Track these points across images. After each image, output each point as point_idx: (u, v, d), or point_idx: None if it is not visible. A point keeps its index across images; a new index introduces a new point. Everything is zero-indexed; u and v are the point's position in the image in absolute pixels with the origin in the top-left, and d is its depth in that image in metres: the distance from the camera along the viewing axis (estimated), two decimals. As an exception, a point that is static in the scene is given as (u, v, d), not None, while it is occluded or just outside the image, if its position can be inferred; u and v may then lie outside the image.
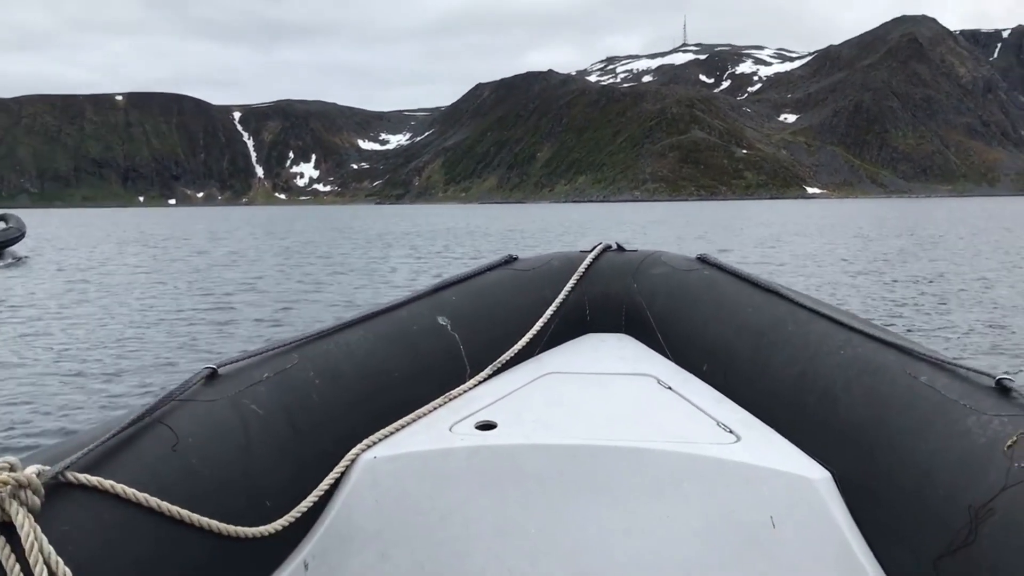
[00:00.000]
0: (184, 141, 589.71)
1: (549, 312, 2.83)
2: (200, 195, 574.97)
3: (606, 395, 2.48)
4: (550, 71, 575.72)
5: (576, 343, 2.93)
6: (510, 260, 3.05)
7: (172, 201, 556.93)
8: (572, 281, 2.95)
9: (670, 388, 2.51)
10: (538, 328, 2.78)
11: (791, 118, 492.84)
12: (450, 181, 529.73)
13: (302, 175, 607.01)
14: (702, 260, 2.94)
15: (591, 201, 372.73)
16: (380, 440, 2.20)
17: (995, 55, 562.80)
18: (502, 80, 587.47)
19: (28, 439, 6.57)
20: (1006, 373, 1.84)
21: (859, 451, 1.95)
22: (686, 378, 2.60)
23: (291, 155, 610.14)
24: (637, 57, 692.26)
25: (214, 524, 1.69)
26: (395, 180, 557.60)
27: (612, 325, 3.00)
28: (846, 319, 2.33)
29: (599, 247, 3.18)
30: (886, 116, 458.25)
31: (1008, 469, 1.61)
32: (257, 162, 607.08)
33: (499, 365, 2.64)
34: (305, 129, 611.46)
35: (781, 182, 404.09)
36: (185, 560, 1.65)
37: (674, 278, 2.89)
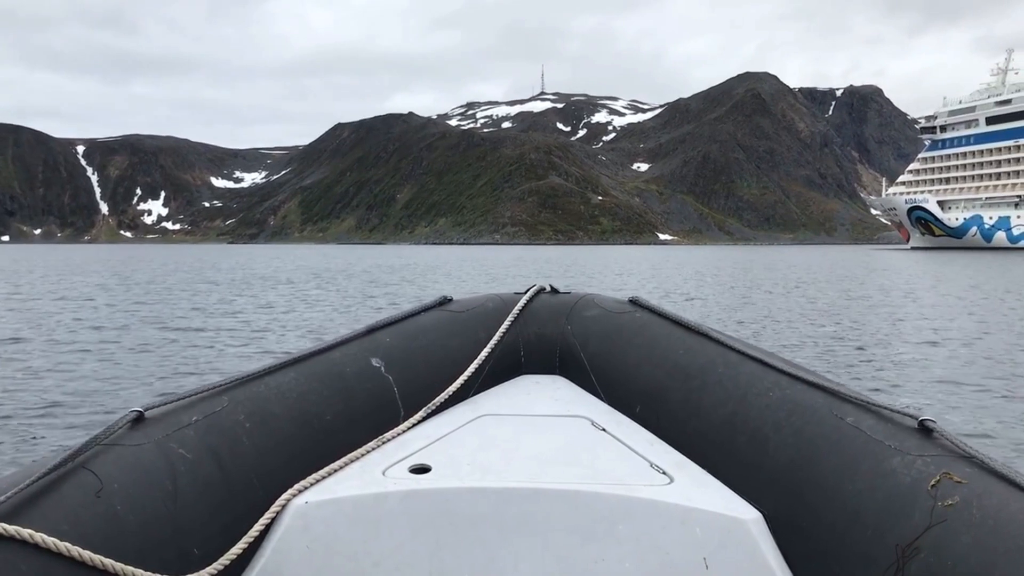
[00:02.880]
0: (21, 174, 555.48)
1: (484, 354, 2.83)
2: (38, 232, 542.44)
3: (541, 437, 2.46)
4: (411, 114, 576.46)
5: (511, 384, 2.93)
6: (444, 301, 3.04)
7: (5, 238, 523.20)
8: (507, 323, 2.95)
9: (604, 430, 2.52)
10: (473, 370, 2.77)
11: (644, 167, 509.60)
12: (307, 221, 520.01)
13: (150, 212, 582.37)
14: (634, 303, 2.96)
15: (451, 243, 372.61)
16: (312, 484, 2.16)
17: (830, 112, 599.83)
18: (362, 121, 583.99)
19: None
20: (928, 416, 1.89)
21: (789, 491, 1.98)
22: (619, 420, 2.61)
23: (139, 191, 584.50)
24: (497, 103, 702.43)
25: (139, 573, 1.62)
26: (249, 219, 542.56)
27: (547, 367, 3.01)
28: (775, 362, 2.36)
29: (533, 289, 3.19)
30: (732, 167, 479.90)
31: (932, 508, 1.65)
32: (102, 198, 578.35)
33: (433, 407, 2.62)
34: (154, 165, 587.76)
35: (635, 228, 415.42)
36: None
37: (607, 320, 2.91)
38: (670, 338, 2.66)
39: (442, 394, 2.66)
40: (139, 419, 1.94)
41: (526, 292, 3.16)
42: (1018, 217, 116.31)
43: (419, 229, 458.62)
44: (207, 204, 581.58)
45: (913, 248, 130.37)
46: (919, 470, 1.75)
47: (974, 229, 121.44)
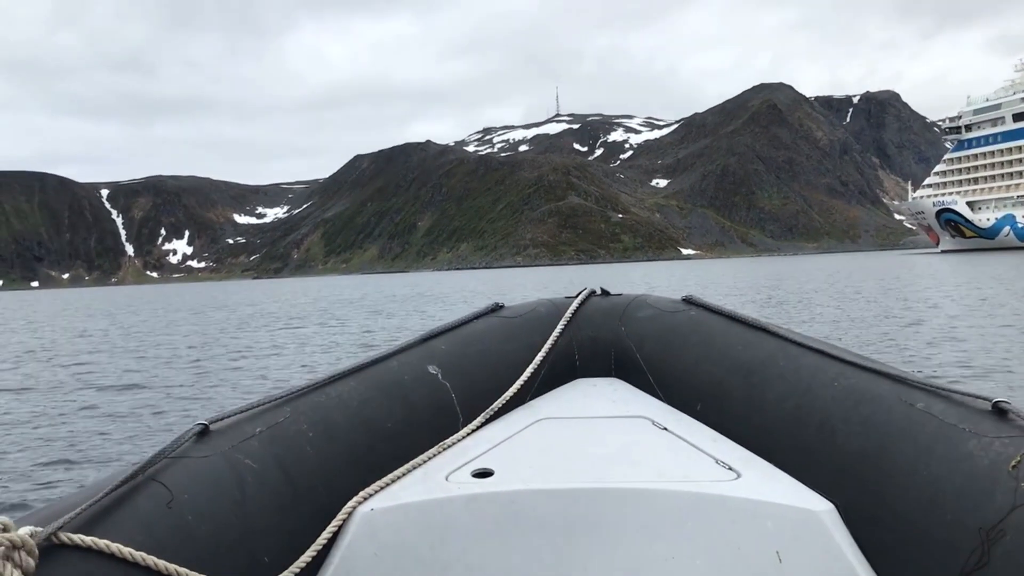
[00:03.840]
0: (47, 220, 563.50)
1: (538, 358, 2.84)
2: (66, 276, 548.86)
3: (601, 438, 2.46)
4: (428, 142, 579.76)
5: (567, 388, 2.93)
6: (496, 308, 3.06)
7: (35, 283, 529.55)
8: (560, 327, 2.97)
9: (665, 429, 2.50)
10: (528, 375, 2.78)
11: (662, 183, 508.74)
12: (330, 253, 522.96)
13: (175, 252, 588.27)
14: (688, 301, 2.96)
15: (474, 268, 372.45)
16: (377, 492, 2.17)
17: (847, 119, 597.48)
18: (380, 151, 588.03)
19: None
20: (1002, 398, 1.85)
21: (861, 481, 1.95)
22: (680, 418, 2.59)
23: (163, 232, 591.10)
24: (513, 127, 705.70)
25: None
26: (273, 254, 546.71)
27: (602, 369, 3.01)
28: (837, 352, 2.34)
29: (584, 292, 3.21)
30: (752, 178, 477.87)
31: (1015, 489, 1.61)
32: (127, 240, 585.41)
33: (491, 413, 2.63)
34: (177, 205, 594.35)
35: (657, 244, 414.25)
36: None
37: (661, 320, 2.91)
38: (727, 334, 2.66)
39: (499, 399, 2.68)
40: (204, 431, 1.98)
41: (577, 296, 3.17)
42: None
43: (441, 255, 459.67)
44: (231, 241, 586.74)
45: (944, 252, 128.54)
46: (997, 452, 1.70)
47: (1007, 229, 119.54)
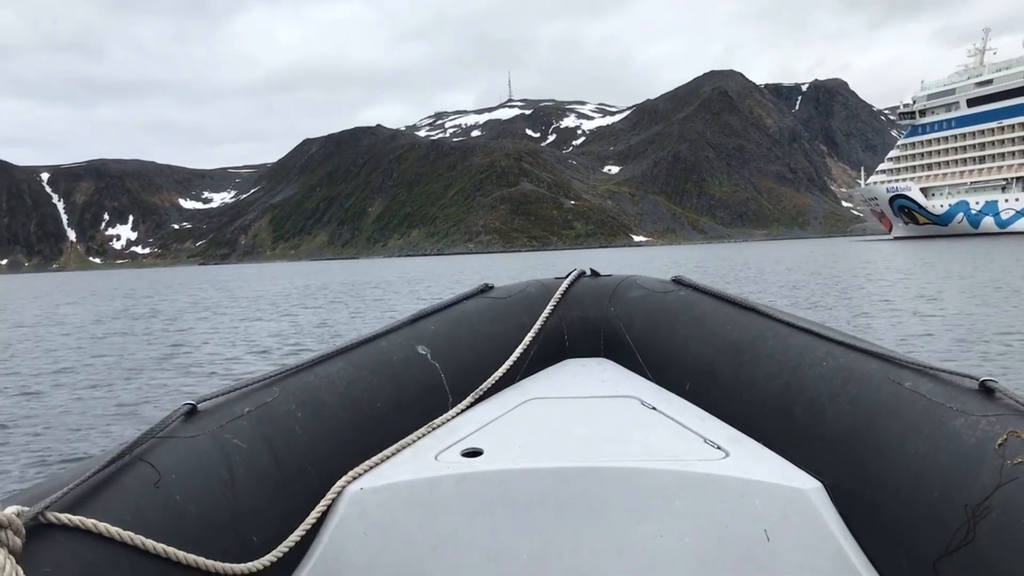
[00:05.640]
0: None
1: (528, 338, 2.84)
2: (4, 262, 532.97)
3: (591, 418, 2.47)
4: (378, 126, 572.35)
5: (556, 368, 2.94)
6: (486, 289, 3.06)
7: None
8: (549, 307, 2.96)
9: (654, 408, 2.51)
10: (518, 355, 2.79)
11: (614, 169, 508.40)
12: (279, 239, 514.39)
13: (119, 237, 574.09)
14: (677, 282, 2.96)
15: (425, 255, 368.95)
16: (366, 471, 2.17)
17: (796, 107, 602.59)
18: (330, 135, 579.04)
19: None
20: (989, 376, 1.85)
21: (849, 459, 1.96)
22: (669, 398, 2.60)
23: (106, 216, 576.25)
24: (465, 112, 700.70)
25: (200, 561, 1.65)
26: (219, 239, 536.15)
27: (591, 349, 3.02)
28: (826, 332, 2.35)
29: (574, 273, 3.20)
30: (702, 165, 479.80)
31: (1001, 467, 1.62)
32: (69, 225, 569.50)
33: (480, 392, 2.64)
34: (121, 189, 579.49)
35: (609, 231, 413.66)
36: None
37: (651, 300, 2.91)
38: (717, 314, 2.65)
39: (489, 379, 2.68)
40: (192, 412, 1.96)
41: (567, 277, 3.17)
42: (1006, 201, 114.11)
43: (392, 241, 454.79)
44: (176, 226, 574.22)
45: (896, 238, 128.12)
46: (984, 430, 1.71)
47: (960, 215, 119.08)
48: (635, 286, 3.03)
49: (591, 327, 3.01)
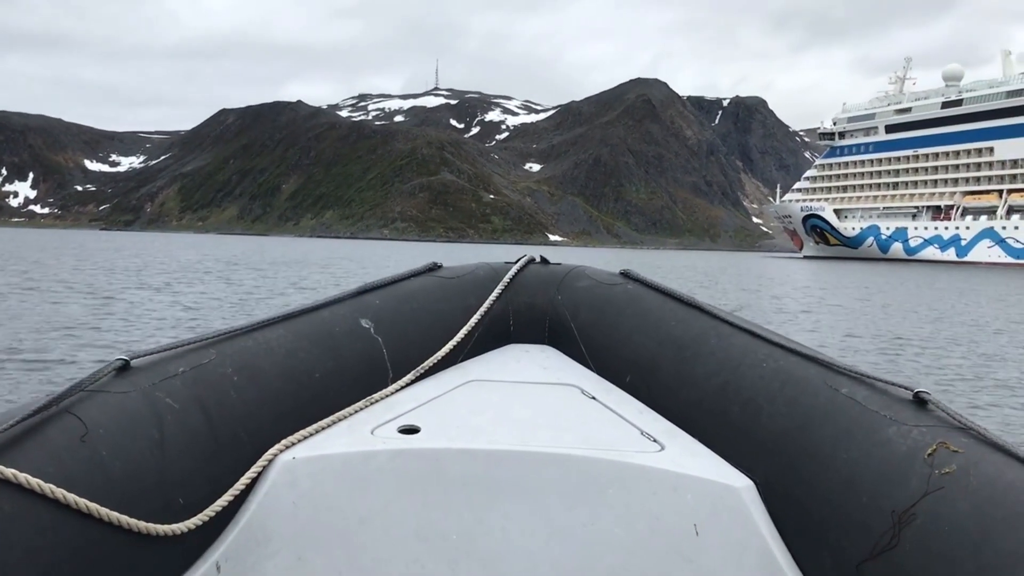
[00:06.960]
0: None
1: (473, 321, 2.83)
2: None
3: (530, 403, 2.48)
4: (299, 102, 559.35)
5: (499, 352, 2.93)
6: (434, 268, 3.03)
7: None
8: (496, 291, 2.95)
9: (593, 398, 2.53)
10: (462, 336, 2.77)
11: (536, 167, 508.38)
12: (186, 209, 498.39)
13: (16, 194, 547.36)
14: (625, 275, 2.97)
15: (338, 237, 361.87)
16: (300, 441, 2.15)
17: (716, 121, 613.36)
18: (248, 107, 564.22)
19: None
20: (923, 388, 1.89)
21: (782, 460, 1.99)
22: (609, 389, 2.62)
23: (3, 171, 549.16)
24: (390, 96, 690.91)
25: (123, 519, 1.61)
26: (124, 205, 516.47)
27: (535, 336, 3.00)
28: (768, 334, 2.37)
29: (523, 259, 3.20)
30: (622, 171, 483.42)
31: (929, 476, 1.67)
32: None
33: (422, 371, 2.62)
34: (22, 144, 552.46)
35: (526, 228, 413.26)
36: (91, 556, 1.56)
37: (598, 291, 2.91)
38: (662, 310, 2.66)
39: (431, 358, 2.65)
40: (125, 367, 1.92)
41: (516, 262, 3.16)
42: (915, 228, 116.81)
43: (304, 221, 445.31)
44: (79, 188, 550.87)
45: (806, 257, 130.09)
46: (915, 440, 1.76)
47: (871, 239, 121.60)
48: (583, 276, 3.03)
49: (537, 314, 2.99)
